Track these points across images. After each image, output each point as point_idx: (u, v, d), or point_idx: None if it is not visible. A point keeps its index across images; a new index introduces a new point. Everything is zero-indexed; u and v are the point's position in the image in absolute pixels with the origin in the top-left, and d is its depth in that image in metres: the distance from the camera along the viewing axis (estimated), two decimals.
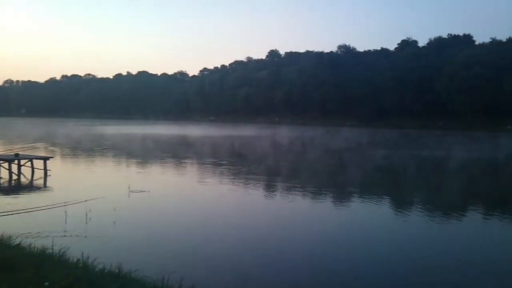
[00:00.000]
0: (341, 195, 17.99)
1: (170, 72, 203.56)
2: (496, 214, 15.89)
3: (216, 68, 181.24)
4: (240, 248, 10.34)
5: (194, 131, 74.88)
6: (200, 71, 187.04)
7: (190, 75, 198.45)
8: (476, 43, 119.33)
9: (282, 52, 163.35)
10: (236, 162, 28.71)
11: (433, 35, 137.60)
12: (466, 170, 27.79)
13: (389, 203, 16.59)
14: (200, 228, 12.46)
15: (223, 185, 19.54)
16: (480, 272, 9.40)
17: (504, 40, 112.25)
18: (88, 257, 7.48)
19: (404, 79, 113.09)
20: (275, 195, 17.69)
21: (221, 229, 12.38)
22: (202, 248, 10.09)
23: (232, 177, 21.73)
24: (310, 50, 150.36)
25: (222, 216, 14.33)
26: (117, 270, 6.99)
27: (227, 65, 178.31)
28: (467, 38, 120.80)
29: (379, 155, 35.24)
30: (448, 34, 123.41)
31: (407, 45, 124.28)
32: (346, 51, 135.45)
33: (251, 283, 7.42)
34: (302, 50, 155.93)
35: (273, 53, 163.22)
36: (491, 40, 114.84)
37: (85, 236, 11.12)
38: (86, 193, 15.74)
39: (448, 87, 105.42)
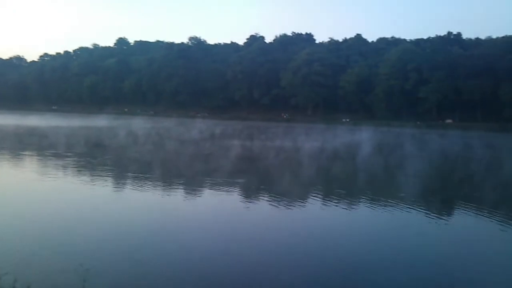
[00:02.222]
0: (195, 183, 17.86)
1: (4, 57, 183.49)
2: (330, 195, 17.06)
3: (58, 54, 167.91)
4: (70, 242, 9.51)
5: (34, 121, 68.30)
6: (40, 56, 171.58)
7: (28, 60, 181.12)
8: (317, 42, 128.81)
9: (131, 40, 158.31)
10: (84, 154, 26.73)
11: (279, 32, 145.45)
12: (314, 157, 29.70)
13: (238, 190, 16.84)
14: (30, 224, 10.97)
15: (61, 179, 17.72)
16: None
17: (341, 40, 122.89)
18: None
19: (253, 73, 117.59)
20: (119, 188, 16.51)
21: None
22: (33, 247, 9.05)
23: (73, 171, 19.99)
24: (161, 40, 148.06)
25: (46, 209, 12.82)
26: None
27: (71, 51, 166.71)
28: (309, 37, 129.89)
29: (233, 144, 36.00)
30: (292, 32, 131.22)
31: (255, 40, 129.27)
32: (197, 43, 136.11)
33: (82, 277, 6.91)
34: (152, 40, 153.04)
35: (122, 41, 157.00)
36: (329, 39, 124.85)
37: None
38: None
39: (292, 82, 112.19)
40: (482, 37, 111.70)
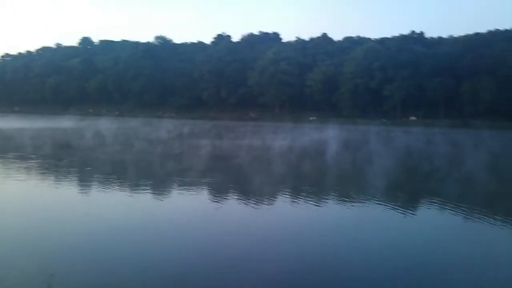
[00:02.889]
0: (163, 183, 17.44)
1: None
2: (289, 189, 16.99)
3: (20, 54, 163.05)
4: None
5: None
6: (2, 56, 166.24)
7: None
8: (284, 41, 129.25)
9: (95, 40, 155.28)
10: (48, 156, 25.86)
11: (246, 31, 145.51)
12: (282, 155, 29.62)
13: (207, 190, 16.58)
14: None
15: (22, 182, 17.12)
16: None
17: (307, 39, 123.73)
18: None
19: (220, 72, 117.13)
20: (83, 189, 16.10)
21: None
22: None
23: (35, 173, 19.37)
24: (126, 39, 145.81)
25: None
26: None
27: (34, 51, 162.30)
28: (276, 36, 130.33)
29: (200, 144, 35.61)
30: (259, 31, 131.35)
31: (222, 39, 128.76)
32: (163, 42, 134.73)
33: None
34: (117, 39, 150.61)
35: (86, 40, 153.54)
36: (296, 39, 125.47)
37: None
38: None
39: (259, 81, 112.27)
40: (445, 36, 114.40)
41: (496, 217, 12.81)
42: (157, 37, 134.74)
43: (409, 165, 26.72)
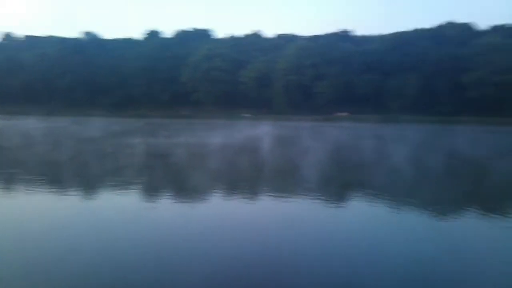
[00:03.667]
0: (90, 184, 16.51)
1: None
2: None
3: None
4: None
5: None
6: None
7: None
8: (217, 37, 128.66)
9: (20, 35, 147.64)
10: None
11: (178, 28, 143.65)
12: (214, 153, 29.21)
13: (138, 190, 15.85)
14: None
15: None
16: None
17: (241, 36, 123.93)
18: None
19: (152, 69, 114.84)
20: None
21: None
22: None
23: None
24: (53, 35, 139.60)
25: None
26: None
27: None
28: (208, 33, 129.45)
29: (132, 142, 34.46)
30: (192, 27, 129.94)
31: (154, 35, 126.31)
32: (92, 38, 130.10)
33: None
34: (44, 35, 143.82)
35: (9, 36, 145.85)
36: (229, 35, 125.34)
37: None
38: None
39: (192, 77, 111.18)
40: (372, 34, 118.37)
41: (414, 204, 13.14)
42: (86, 33, 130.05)
43: (338, 159, 26.99)
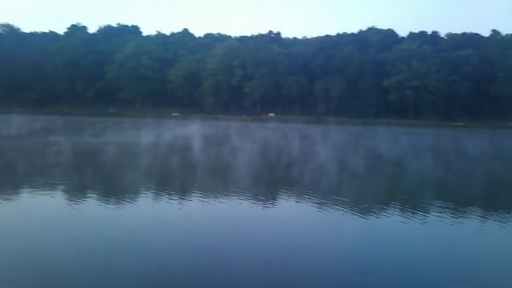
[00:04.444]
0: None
1: None
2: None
3: None
4: None
5: None
6: None
7: None
8: (144, 34, 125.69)
9: None
10: None
11: (103, 23, 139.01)
12: (140, 152, 28.52)
13: (57, 191, 15.05)
14: None
15: None
16: None
17: (168, 34, 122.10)
18: None
19: (75, 64, 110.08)
20: None
21: None
22: None
23: None
24: None
25: None
26: None
27: None
28: (135, 29, 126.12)
29: (50, 141, 32.77)
30: (118, 23, 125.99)
31: (77, 30, 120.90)
32: (10, 31, 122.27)
33: None
34: None
35: None
36: (157, 33, 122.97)
37: None
38: None
39: (119, 75, 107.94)
40: (299, 37, 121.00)
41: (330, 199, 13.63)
42: (2, 25, 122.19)
43: (262, 158, 27.41)
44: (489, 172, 23.16)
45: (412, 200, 14.65)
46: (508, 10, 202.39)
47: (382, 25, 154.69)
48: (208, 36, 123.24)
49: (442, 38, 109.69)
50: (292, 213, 12.04)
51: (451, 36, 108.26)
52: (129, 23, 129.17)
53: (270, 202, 13.32)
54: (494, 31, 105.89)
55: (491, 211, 13.07)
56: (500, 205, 14.41)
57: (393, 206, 13.19)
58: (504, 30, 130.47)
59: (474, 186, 18.28)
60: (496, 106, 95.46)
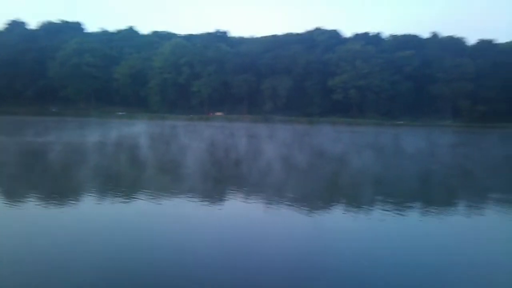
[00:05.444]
0: None
1: None
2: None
3: None
4: None
5: None
6: None
7: None
8: (87, 31, 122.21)
9: None
10: None
11: (44, 19, 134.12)
12: (79, 152, 27.69)
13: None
14: None
15: None
16: None
17: (113, 31, 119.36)
18: None
19: (14, 61, 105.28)
20: None
21: None
22: None
23: None
24: None
25: None
26: None
27: None
28: (78, 26, 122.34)
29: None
30: (60, 19, 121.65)
31: (16, 26, 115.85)
32: None
33: None
34: None
35: None
36: (101, 30, 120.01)
37: None
38: None
39: (61, 73, 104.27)
40: (246, 36, 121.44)
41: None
42: None
43: (202, 157, 27.28)
44: (419, 167, 24.07)
45: (342, 194, 15.03)
46: (447, 12, 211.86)
47: (328, 25, 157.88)
48: (155, 33, 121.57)
49: (385, 39, 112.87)
50: (227, 210, 12.00)
51: (393, 37, 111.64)
52: (71, 19, 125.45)
53: (205, 200, 13.23)
54: (433, 33, 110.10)
55: (409, 203, 13.67)
56: (422, 198, 15.07)
57: (325, 200, 13.46)
58: (443, 32, 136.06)
59: (402, 180, 18.96)
60: (435, 105, 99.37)
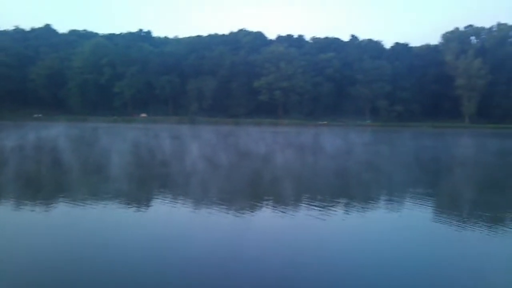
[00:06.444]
0: None
1: None
2: None
3: None
4: None
5: None
6: None
7: None
8: None
9: None
10: None
11: None
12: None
13: None
14: None
15: None
16: None
17: (28, 29, 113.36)
18: None
19: None
20: None
21: None
22: None
23: None
24: None
25: None
26: None
27: None
28: None
29: None
30: None
31: None
32: None
33: None
34: None
35: None
36: (14, 28, 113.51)
37: None
38: None
39: None
40: (170, 36, 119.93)
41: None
42: None
43: (120, 159, 26.52)
44: (330, 164, 24.92)
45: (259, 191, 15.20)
46: (367, 15, 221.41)
47: (252, 27, 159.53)
48: (73, 32, 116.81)
49: (307, 41, 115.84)
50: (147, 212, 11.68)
51: (315, 40, 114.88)
52: None
53: (124, 203, 12.81)
54: (352, 36, 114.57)
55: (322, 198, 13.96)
56: (329, 192, 15.45)
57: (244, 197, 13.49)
58: (361, 35, 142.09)
59: (313, 177, 19.53)
60: (355, 105, 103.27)
